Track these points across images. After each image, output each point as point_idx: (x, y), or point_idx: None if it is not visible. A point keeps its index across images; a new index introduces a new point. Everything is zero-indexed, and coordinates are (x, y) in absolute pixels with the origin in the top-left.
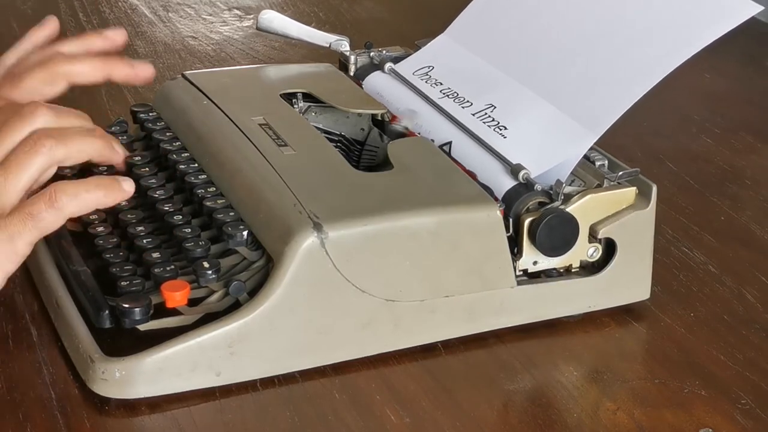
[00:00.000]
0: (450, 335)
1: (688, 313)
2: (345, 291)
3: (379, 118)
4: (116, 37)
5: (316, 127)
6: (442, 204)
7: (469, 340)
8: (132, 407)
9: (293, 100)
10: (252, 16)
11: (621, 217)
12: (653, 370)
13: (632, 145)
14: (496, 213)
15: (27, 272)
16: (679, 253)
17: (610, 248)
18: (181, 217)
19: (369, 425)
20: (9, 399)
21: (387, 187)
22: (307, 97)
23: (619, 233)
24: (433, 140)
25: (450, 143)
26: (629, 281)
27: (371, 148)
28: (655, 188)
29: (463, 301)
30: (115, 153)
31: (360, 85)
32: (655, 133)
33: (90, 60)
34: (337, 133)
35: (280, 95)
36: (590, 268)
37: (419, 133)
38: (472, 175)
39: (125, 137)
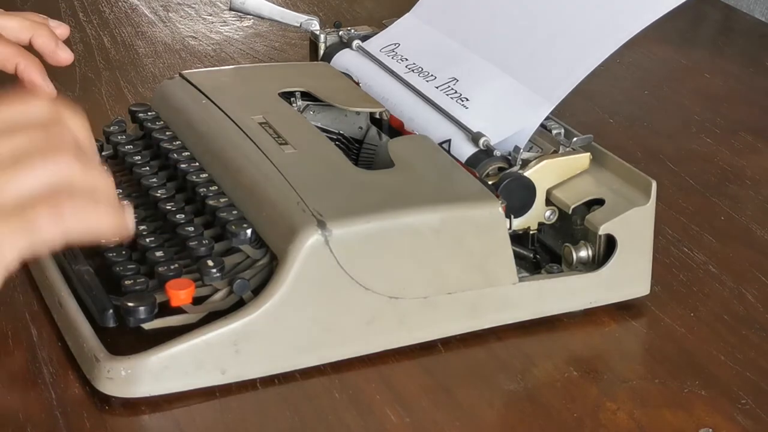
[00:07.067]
0: (453, 332)
1: (688, 313)
2: (349, 288)
3: (377, 116)
4: (60, 29)
5: (315, 126)
6: (444, 201)
7: (469, 339)
8: (132, 407)
9: (292, 99)
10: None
11: (621, 213)
12: (653, 370)
13: (632, 145)
14: (498, 210)
15: (28, 272)
16: (679, 253)
17: (610, 244)
18: (183, 215)
19: (369, 425)
20: (9, 399)
21: (389, 185)
22: (306, 95)
23: (619, 229)
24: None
25: (449, 141)
26: (629, 277)
27: (370, 147)
28: (654, 184)
29: (465, 298)
30: (125, 230)
31: (357, 82)
32: (655, 133)
33: (21, 19)
34: (336, 131)
35: (279, 94)
36: (591, 265)
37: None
38: (473, 172)
39: (124, 136)
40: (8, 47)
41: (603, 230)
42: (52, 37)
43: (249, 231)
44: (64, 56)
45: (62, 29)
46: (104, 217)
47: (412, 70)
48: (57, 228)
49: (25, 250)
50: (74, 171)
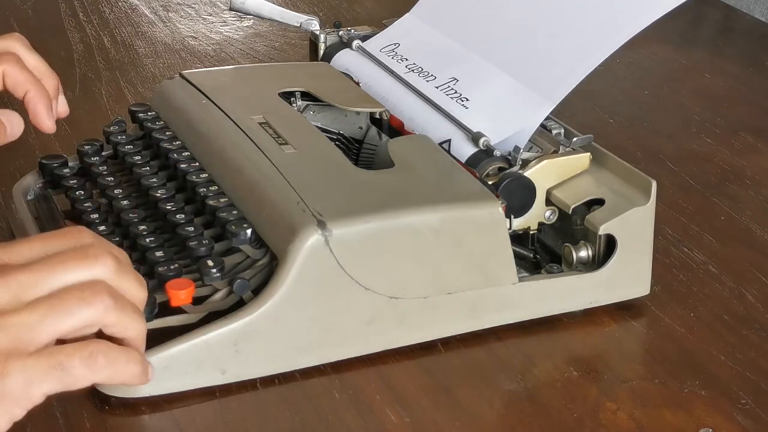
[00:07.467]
0: (453, 332)
1: (688, 313)
2: (349, 288)
3: (377, 116)
4: (61, 109)
5: (315, 126)
6: (444, 201)
7: (469, 339)
8: (132, 407)
9: (292, 99)
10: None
11: (621, 213)
12: (653, 370)
13: (632, 145)
14: (498, 210)
15: None
16: (679, 253)
17: (610, 244)
18: (183, 215)
19: (369, 425)
20: None
21: (389, 185)
22: (306, 95)
23: (619, 229)
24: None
25: (449, 141)
26: (629, 277)
27: (369, 147)
28: (654, 184)
29: (465, 298)
30: (144, 377)
31: (357, 82)
32: (655, 133)
33: (42, 63)
34: (336, 131)
35: (279, 94)
36: (591, 264)
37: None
38: (473, 172)
39: (124, 136)
40: (25, 74)
41: (603, 230)
42: (55, 91)
43: (249, 231)
44: (43, 127)
45: (64, 107)
46: (133, 367)
47: (412, 70)
48: (89, 377)
49: (54, 390)
50: (110, 319)
